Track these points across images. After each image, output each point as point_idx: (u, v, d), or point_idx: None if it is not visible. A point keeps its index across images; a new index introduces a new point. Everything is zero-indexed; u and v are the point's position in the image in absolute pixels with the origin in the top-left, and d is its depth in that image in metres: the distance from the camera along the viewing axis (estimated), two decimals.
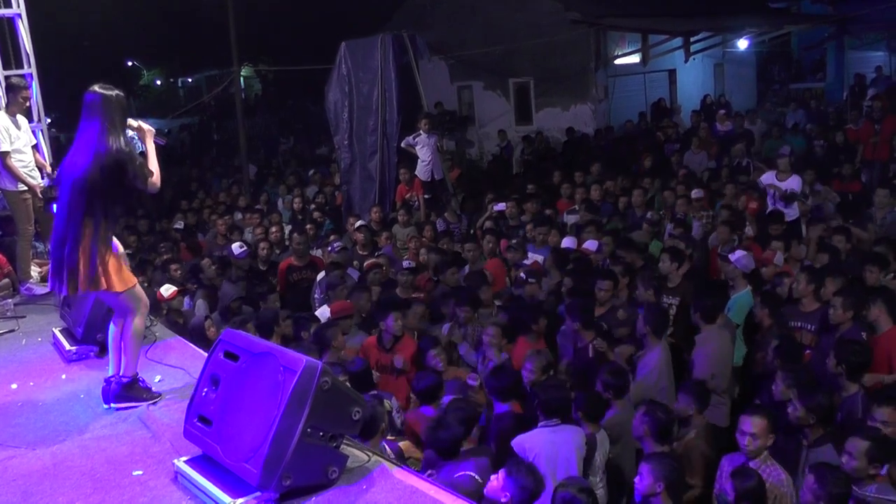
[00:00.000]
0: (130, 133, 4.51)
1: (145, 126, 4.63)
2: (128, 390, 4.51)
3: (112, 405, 4.49)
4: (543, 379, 5.46)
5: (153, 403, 4.53)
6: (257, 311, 7.32)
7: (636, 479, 4.24)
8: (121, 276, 4.38)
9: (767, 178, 9.53)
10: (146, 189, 4.44)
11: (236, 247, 9.20)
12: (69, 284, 4.27)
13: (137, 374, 4.59)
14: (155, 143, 4.69)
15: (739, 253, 7.10)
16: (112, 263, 4.33)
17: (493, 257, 8.65)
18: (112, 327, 4.60)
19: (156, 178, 4.47)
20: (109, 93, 4.36)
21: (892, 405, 4.47)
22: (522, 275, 7.61)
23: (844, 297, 5.82)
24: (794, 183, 9.26)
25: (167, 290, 7.34)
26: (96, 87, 4.37)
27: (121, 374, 4.55)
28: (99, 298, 4.89)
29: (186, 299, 7.98)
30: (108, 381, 4.57)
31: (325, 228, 11.42)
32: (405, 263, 8.40)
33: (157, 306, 6.86)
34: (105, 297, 4.60)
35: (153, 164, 4.50)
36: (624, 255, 7.77)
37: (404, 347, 6.34)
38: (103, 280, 4.29)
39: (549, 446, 4.64)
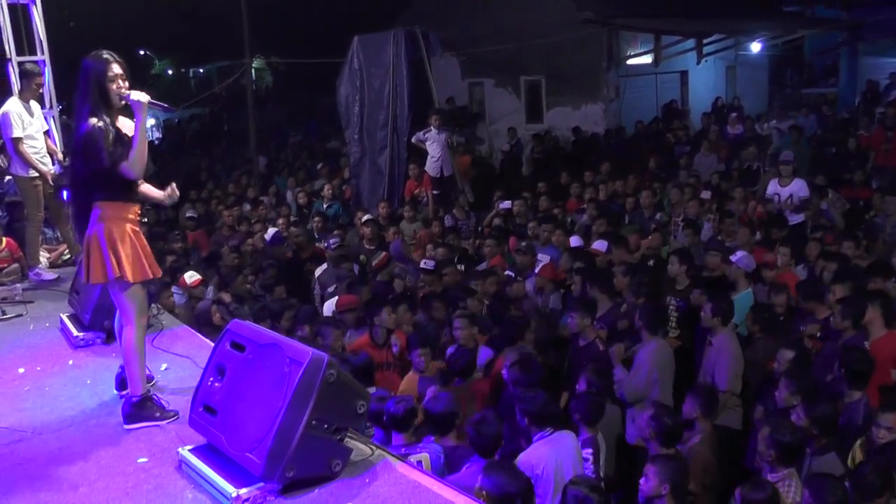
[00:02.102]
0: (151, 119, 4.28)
1: (134, 96, 4.01)
2: (140, 408, 4.18)
3: (125, 426, 4.16)
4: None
5: (168, 422, 4.17)
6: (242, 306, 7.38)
7: (641, 480, 4.22)
8: (121, 265, 4.02)
9: (772, 186, 9.50)
10: (119, 172, 3.94)
11: (271, 232, 9.25)
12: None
13: (149, 391, 4.27)
14: (157, 107, 4.32)
15: (740, 253, 7.09)
16: (119, 250, 4.01)
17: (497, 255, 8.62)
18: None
19: (132, 162, 3.93)
20: (86, 61, 4.03)
21: None
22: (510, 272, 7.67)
23: (844, 305, 5.78)
24: (796, 187, 9.22)
25: (191, 276, 7.37)
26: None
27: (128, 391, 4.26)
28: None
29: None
30: (122, 367, 4.50)
31: (334, 213, 11.46)
32: (423, 264, 8.30)
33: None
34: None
35: (137, 147, 3.95)
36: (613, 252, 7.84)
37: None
38: (102, 270, 4.02)
39: (553, 456, 4.58)
